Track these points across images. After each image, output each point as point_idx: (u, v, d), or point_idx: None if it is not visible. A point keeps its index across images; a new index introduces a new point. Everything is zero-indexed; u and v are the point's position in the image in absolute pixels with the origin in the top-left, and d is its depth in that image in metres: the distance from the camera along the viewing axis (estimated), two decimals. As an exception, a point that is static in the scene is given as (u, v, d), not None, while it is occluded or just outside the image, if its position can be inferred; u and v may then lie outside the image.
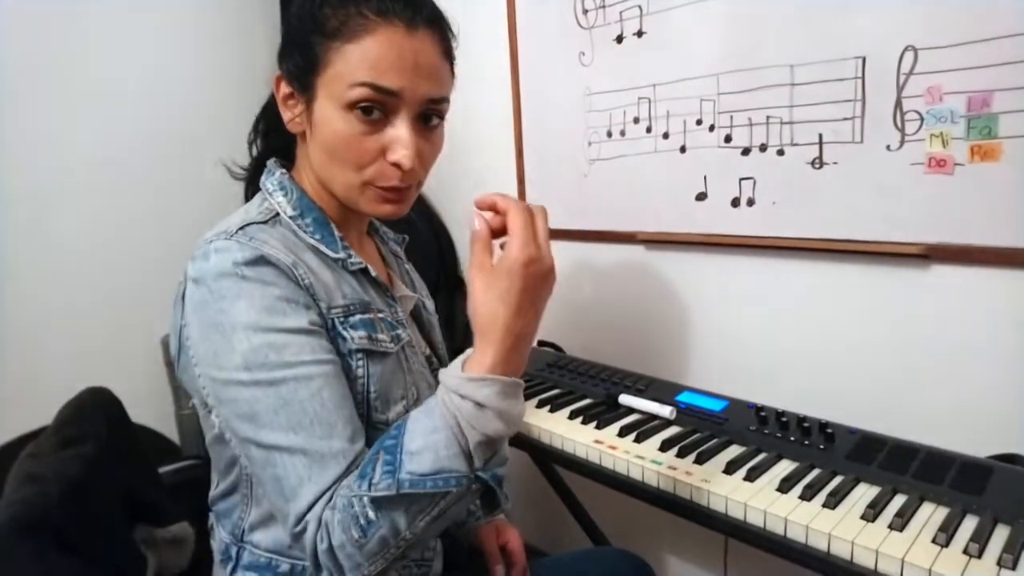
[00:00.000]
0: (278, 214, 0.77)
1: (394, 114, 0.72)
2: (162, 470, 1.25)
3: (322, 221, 0.79)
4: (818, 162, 1.18)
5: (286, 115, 0.77)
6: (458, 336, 1.96)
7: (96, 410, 1.00)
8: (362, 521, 0.63)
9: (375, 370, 0.76)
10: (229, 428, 0.71)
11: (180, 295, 0.74)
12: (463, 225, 1.97)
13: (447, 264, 1.96)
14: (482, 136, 1.78)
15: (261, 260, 0.69)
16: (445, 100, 0.76)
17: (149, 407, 1.85)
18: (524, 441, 1.22)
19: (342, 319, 0.74)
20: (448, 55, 0.77)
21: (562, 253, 1.67)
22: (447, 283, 1.94)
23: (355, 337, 0.74)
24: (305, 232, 0.77)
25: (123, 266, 1.91)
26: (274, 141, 0.88)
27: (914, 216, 1.09)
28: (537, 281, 0.65)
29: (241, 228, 0.72)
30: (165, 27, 1.95)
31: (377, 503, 0.63)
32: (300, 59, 0.73)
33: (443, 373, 0.67)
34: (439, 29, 0.75)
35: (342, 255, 0.78)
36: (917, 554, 0.76)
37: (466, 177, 1.80)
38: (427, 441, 0.64)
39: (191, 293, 0.71)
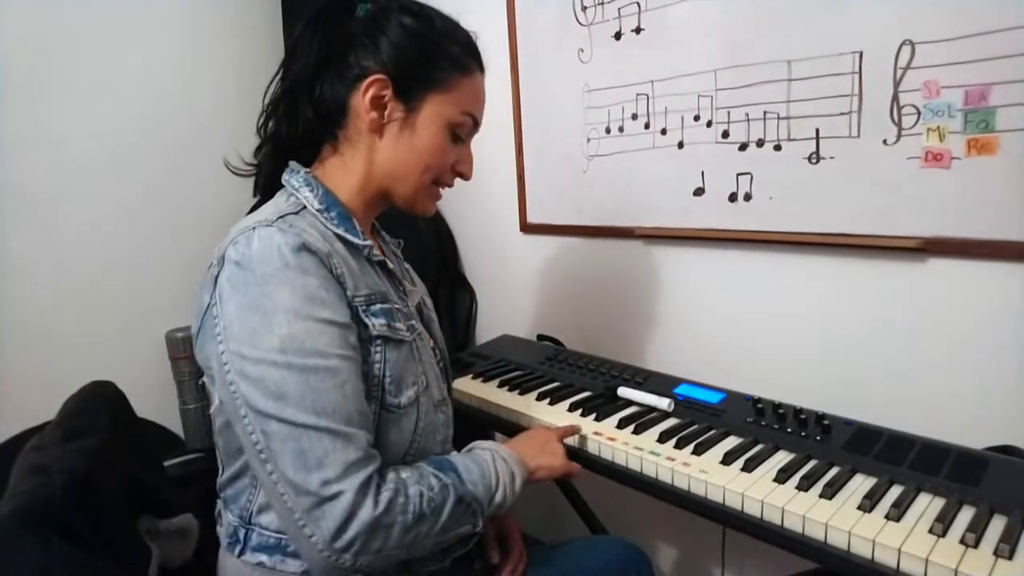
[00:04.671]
0: (306, 207, 0.83)
1: (468, 138, 0.93)
2: (167, 463, 1.26)
3: (345, 215, 0.85)
4: (815, 157, 1.19)
5: (372, 114, 0.84)
6: (459, 330, 1.97)
7: (100, 403, 1.00)
8: (422, 509, 0.75)
9: (392, 356, 0.82)
10: (248, 404, 0.73)
11: (213, 277, 0.77)
12: (463, 221, 1.98)
13: (448, 260, 1.97)
14: (482, 133, 1.77)
15: (303, 247, 0.74)
16: None
17: (154, 401, 1.86)
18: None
19: (365, 307, 0.80)
20: None
21: (562, 249, 1.69)
22: (448, 279, 1.95)
23: (376, 324, 0.80)
24: (331, 224, 0.83)
25: (128, 261, 1.92)
26: (287, 139, 0.89)
27: (911, 210, 1.09)
28: (538, 468, 0.97)
29: (281, 217, 0.78)
30: (167, 24, 1.95)
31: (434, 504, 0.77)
32: (420, 73, 0.84)
33: (488, 443, 0.92)
34: None
35: (368, 243, 0.85)
36: (914, 544, 0.76)
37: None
38: (480, 479, 0.84)
39: (231, 274, 0.75)
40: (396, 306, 0.86)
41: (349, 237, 0.83)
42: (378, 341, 0.80)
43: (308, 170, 0.87)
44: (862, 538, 0.79)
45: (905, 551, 0.76)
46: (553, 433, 1.04)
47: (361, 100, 0.83)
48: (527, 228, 1.77)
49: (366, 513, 0.70)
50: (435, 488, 0.78)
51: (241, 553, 0.84)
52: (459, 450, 0.92)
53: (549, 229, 1.72)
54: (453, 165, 0.91)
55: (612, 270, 1.59)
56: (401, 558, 0.77)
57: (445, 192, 0.95)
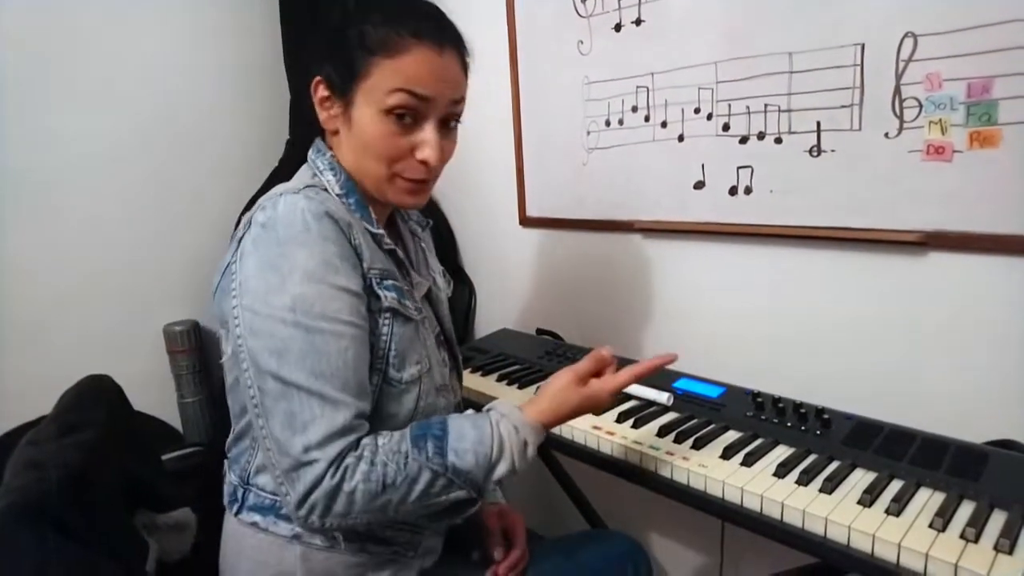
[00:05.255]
0: (326, 189, 0.86)
1: (423, 119, 0.83)
2: (165, 457, 1.26)
3: (362, 203, 0.87)
4: (816, 150, 1.18)
5: (322, 115, 0.86)
6: (458, 324, 1.96)
7: (96, 397, 1.00)
8: (388, 480, 0.74)
9: (399, 331, 0.84)
10: (251, 359, 0.76)
11: (238, 239, 0.81)
12: (462, 214, 1.97)
13: (447, 253, 1.96)
14: (481, 125, 1.77)
15: (326, 215, 0.77)
16: (462, 100, 0.87)
17: (152, 395, 1.87)
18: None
19: (378, 280, 0.83)
20: (465, 69, 0.87)
21: (561, 242, 1.69)
22: (447, 272, 1.95)
23: (387, 297, 0.83)
24: (349, 209, 0.85)
25: (126, 257, 1.92)
26: (302, 139, 0.91)
27: (912, 203, 1.09)
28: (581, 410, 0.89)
29: (307, 187, 0.81)
30: (166, 24, 1.94)
31: (412, 474, 0.76)
32: (342, 67, 0.83)
33: (504, 404, 0.86)
34: (460, 48, 0.86)
35: (380, 232, 0.87)
36: (914, 539, 0.76)
37: (465, 167, 1.80)
38: (474, 447, 0.79)
39: (255, 235, 0.77)
40: (406, 288, 0.88)
41: (364, 224, 0.85)
42: (387, 314, 0.83)
43: (333, 154, 0.89)
44: (862, 533, 0.79)
45: (905, 546, 0.76)
46: (600, 393, 0.89)
47: (318, 103, 0.87)
48: (526, 222, 1.77)
49: (326, 482, 0.72)
50: (408, 459, 0.76)
51: (238, 512, 0.88)
52: None
53: (548, 223, 1.71)
54: (414, 152, 0.84)
55: (612, 264, 1.59)
56: (381, 521, 0.79)
57: (443, 186, 0.95)
